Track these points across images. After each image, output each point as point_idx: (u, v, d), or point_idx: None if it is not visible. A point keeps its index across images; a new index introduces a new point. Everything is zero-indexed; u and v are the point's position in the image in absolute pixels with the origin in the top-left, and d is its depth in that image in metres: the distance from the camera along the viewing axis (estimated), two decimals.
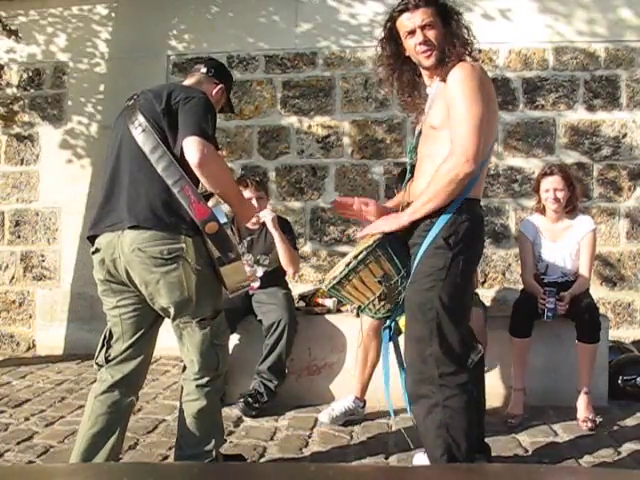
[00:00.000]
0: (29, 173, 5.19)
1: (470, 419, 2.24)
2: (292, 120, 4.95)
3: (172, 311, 2.26)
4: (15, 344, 5.17)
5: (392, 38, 2.36)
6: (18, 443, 2.97)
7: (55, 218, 5.14)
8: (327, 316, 3.68)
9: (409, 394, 2.33)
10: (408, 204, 2.35)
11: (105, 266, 2.28)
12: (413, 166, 2.42)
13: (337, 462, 2.74)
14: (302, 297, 3.90)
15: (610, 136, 4.65)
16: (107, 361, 2.34)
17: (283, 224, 3.70)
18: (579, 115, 4.68)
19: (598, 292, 4.49)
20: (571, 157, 4.68)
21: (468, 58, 2.32)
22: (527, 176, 4.69)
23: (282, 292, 3.58)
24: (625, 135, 4.64)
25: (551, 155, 4.69)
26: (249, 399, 3.35)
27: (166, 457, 2.80)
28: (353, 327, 3.40)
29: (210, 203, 2.24)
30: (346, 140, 4.89)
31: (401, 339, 2.43)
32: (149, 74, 4.75)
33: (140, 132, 2.25)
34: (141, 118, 2.26)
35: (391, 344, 2.44)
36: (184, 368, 2.41)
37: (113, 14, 5.10)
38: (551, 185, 3.38)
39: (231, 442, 2.98)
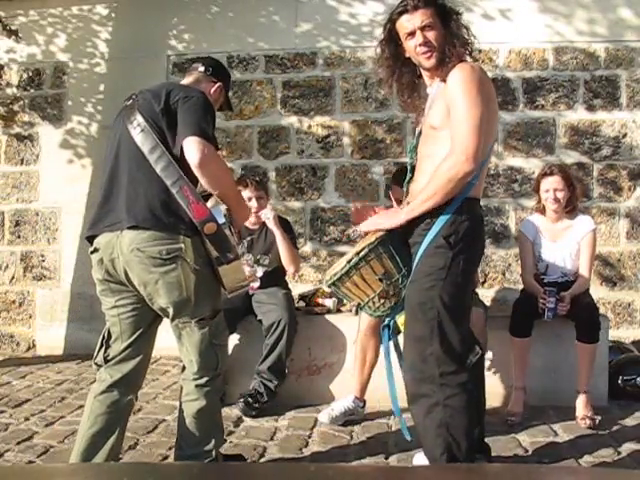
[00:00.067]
0: (29, 173, 5.19)
1: (470, 418, 2.24)
2: (292, 120, 4.95)
3: (171, 311, 2.26)
4: (15, 344, 5.17)
5: (392, 40, 2.36)
6: (18, 443, 2.97)
7: (55, 218, 5.14)
8: (327, 316, 3.68)
9: (409, 393, 2.33)
10: (408, 204, 2.35)
11: (104, 266, 2.27)
12: (414, 166, 2.42)
13: (337, 462, 2.74)
14: (302, 297, 3.90)
15: (610, 136, 4.65)
16: (106, 361, 2.34)
17: (283, 224, 3.70)
18: (579, 115, 4.68)
19: (598, 292, 4.49)
20: (571, 157, 4.68)
21: (468, 58, 2.33)
22: (527, 176, 4.69)
23: (282, 292, 3.58)
24: (625, 135, 4.64)
25: (551, 155, 4.69)
26: (249, 399, 3.35)
27: (166, 457, 2.80)
28: (353, 327, 3.40)
29: (209, 203, 2.24)
30: (346, 140, 4.89)
31: (400, 338, 2.43)
32: (149, 74, 4.74)
33: (139, 132, 2.24)
34: (140, 118, 2.26)
35: (391, 343, 2.45)
36: (183, 368, 2.41)
37: (113, 14, 5.10)
38: (551, 185, 3.38)
39: (231, 442, 2.97)
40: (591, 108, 4.67)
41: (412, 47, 2.29)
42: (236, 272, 2.32)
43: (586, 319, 3.20)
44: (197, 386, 2.33)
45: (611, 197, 4.66)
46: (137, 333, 2.34)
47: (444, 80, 2.25)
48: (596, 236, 3.54)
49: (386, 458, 2.82)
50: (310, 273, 4.89)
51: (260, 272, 3.65)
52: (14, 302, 5.18)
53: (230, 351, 3.21)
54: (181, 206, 2.19)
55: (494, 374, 3.46)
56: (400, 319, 2.37)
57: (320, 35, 4.91)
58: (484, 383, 2.52)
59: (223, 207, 2.37)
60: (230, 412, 3.34)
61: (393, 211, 2.39)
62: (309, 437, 3.08)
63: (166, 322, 2.35)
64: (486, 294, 4.60)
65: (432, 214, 2.24)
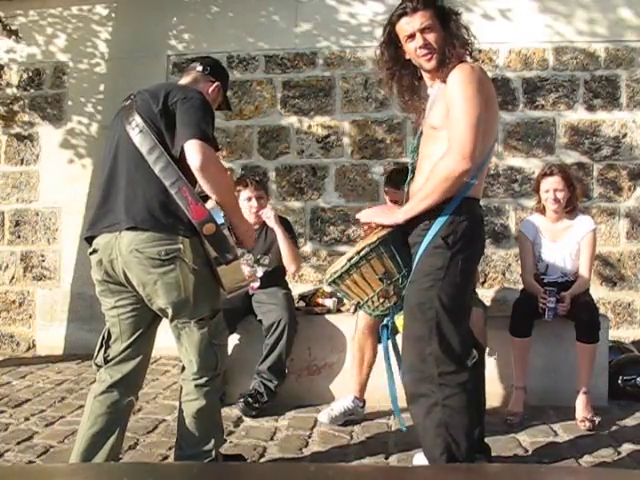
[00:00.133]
0: (29, 173, 5.19)
1: (470, 418, 2.24)
2: (292, 120, 4.95)
3: (170, 312, 2.26)
4: (15, 344, 5.17)
5: (391, 42, 2.37)
6: (18, 443, 2.97)
7: (55, 218, 5.14)
8: (327, 316, 3.68)
9: (408, 393, 2.33)
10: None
11: (103, 267, 2.27)
12: (415, 166, 2.43)
13: (337, 462, 2.74)
14: (302, 297, 3.90)
15: (610, 136, 4.65)
16: (106, 361, 2.34)
17: (284, 223, 3.70)
18: (579, 115, 4.68)
19: (598, 292, 4.49)
20: (571, 157, 4.68)
21: (468, 58, 2.33)
22: (527, 176, 4.69)
23: (282, 292, 3.58)
24: (625, 135, 4.64)
25: (551, 155, 4.69)
26: (249, 399, 3.35)
27: (166, 457, 2.80)
28: (353, 327, 3.40)
29: (208, 204, 2.23)
30: (346, 140, 4.89)
31: (398, 338, 2.44)
32: (149, 74, 4.74)
33: (137, 133, 2.24)
34: (138, 119, 2.25)
35: (389, 342, 2.45)
36: (183, 368, 2.41)
37: (113, 14, 5.10)
38: (551, 186, 3.38)
39: (231, 442, 2.97)
40: (591, 108, 4.67)
41: (412, 49, 2.30)
42: (235, 273, 2.32)
43: (586, 319, 3.20)
44: (197, 386, 2.33)
45: (611, 197, 4.66)
46: (137, 333, 2.34)
47: (444, 81, 2.26)
48: (596, 236, 3.54)
49: (386, 458, 2.82)
50: (310, 273, 4.88)
51: (260, 272, 3.65)
52: (14, 302, 5.18)
53: (230, 351, 3.20)
54: (180, 207, 2.19)
55: (494, 374, 3.46)
56: (399, 319, 2.37)
57: (320, 35, 4.91)
58: (484, 383, 2.52)
59: None
60: (230, 412, 3.34)
61: (391, 208, 2.39)
62: (309, 437, 3.08)
63: (165, 322, 2.35)
64: (486, 294, 4.60)
65: (431, 214, 2.24)
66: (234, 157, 4.97)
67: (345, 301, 3.74)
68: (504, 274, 4.74)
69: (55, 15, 5.15)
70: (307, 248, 4.88)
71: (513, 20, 4.71)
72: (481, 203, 2.39)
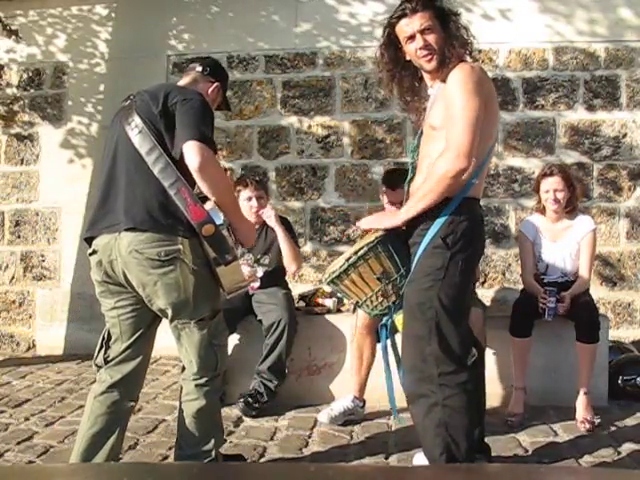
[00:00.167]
0: (29, 173, 5.19)
1: (470, 419, 2.24)
2: (292, 120, 4.95)
3: (170, 312, 2.26)
4: (15, 344, 5.17)
5: (391, 44, 2.37)
6: (18, 443, 2.97)
7: (55, 218, 5.14)
8: (327, 316, 3.68)
9: (408, 393, 2.33)
10: None
11: (102, 268, 2.27)
12: (415, 166, 2.43)
13: (337, 462, 2.74)
14: (302, 297, 3.90)
15: (610, 136, 4.65)
16: (106, 362, 2.34)
17: (284, 223, 3.70)
18: (579, 115, 4.68)
19: (598, 292, 4.49)
20: (571, 157, 4.68)
21: (468, 58, 2.33)
22: (527, 176, 4.69)
23: (282, 292, 3.58)
24: (625, 135, 4.64)
25: (551, 155, 4.69)
26: (249, 399, 3.35)
27: (166, 457, 2.80)
28: (353, 327, 3.40)
29: (207, 205, 2.23)
30: (346, 140, 4.89)
31: (397, 338, 2.44)
32: (149, 74, 4.74)
33: (137, 133, 2.24)
34: (137, 119, 2.25)
35: (388, 342, 2.45)
36: (183, 368, 2.41)
37: (113, 14, 5.10)
38: (551, 186, 3.38)
39: (231, 442, 2.98)
40: (591, 108, 4.67)
41: (413, 51, 2.30)
42: (234, 273, 2.32)
43: (586, 319, 3.20)
44: (197, 386, 2.33)
45: (611, 197, 4.66)
46: (137, 334, 2.34)
47: (445, 81, 2.26)
48: (596, 236, 3.54)
49: (386, 458, 2.82)
50: (310, 273, 4.89)
51: (260, 272, 3.64)
52: (14, 302, 5.18)
53: (230, 351, 3.20)
54: (179, 208, 2.19)
55: (494, 374, 3.46)
56: (398, 318, 2.38)
57: (320, 35, 4.91)
58: (484, 383, 2.52)
59: None
60: (230, 412, 3.34)
61: (392, 211, 2.40)
62: (309, 437, 3.08)
63: (165, 322, 2.35)
64: (486, 294, 4.60)
65: (431, 214, 2.24)
66: (234, 157, 4.97)
67: (345, 301, 3.74)
68: (504, 274, 4.74)
69: (55, 15, 5.15)
70: (307, 248, 4.88)
71: (513, 20, 4.71)
72: (481, 203, 2.39)
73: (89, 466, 1.82)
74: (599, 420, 3.14)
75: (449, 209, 2.23)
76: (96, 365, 2.37)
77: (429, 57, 2.27)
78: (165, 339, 2.59)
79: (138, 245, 2.18)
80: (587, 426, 3.07)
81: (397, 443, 2.94)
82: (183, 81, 2.52)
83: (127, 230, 2.20)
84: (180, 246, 2.19)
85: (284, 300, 3.50)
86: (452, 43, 2.26)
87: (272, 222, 3.61)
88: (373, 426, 3.21)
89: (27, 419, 3.33)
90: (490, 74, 2.50)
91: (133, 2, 5.06)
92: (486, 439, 2.50)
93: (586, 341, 3.17)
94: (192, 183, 2.22)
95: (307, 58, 4.94)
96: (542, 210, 3.49)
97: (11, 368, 4.49)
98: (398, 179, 3.35)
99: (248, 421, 3.29)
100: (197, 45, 5.00)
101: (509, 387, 3.38)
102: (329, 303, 3.78)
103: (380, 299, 2.37)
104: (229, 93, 2.79)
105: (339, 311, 3.80)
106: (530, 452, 2.84)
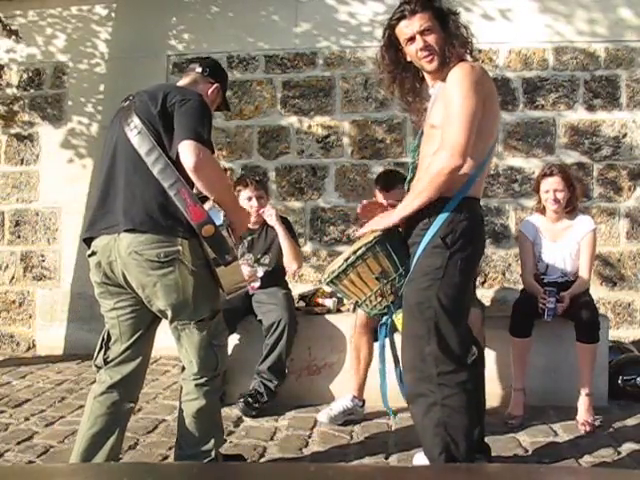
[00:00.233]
0: (29, 173, 5.19)
1: (470, 418, 2.24)
2: (292, 120, 4.95)
3: (170, 313, 2.26)
4: (15, 344, 5.17)
5: (391, 45, 2.38)
6: (18, 443, 2.97)
7: (55, 218, 5.14)
8: (327, 316, 3.68)
9: (407, 393, 2.33)
10: None
11: (102, 269, 2.27)
12: (415, 165, 2.43)
13: (337, 462, 2.74)
14: (302, 297, 3.90)
15: (610, 136, 4.65)
16: (106, 363, 2.34)
17: (284, 222, 3.70)
18: (579, 115, 4.68)
19: (598, 292, 4.49)
20: (571, 157, 4.68)
21: (469, 57, 2.33)
22: (527, 176, 4.69)
23: (282, 292, 3.58)
24: (625, 135, 4.64)
25: (551, 155, 4.69)
26: (249, 399, 3.35)
27: (166, 457, 2.80)
28: (353, 327, 3.40)
29: (206, 206, 2.23)
30: (346, 140, 4.89)
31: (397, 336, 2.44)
32: (149, 74, 4.74)
33: (136, 134, 2.24)
34: (136, 120, 2.25)
35: (387, 341, 2.45)
36: (183, 368, 2.41)
37: (112, 14, 5.10)
38: (551, 186, 3.38)
39: (231, 442, 2.97)
40: (591, 108, 4.67)
41: (413, 52, 2.30)
42: (234, 274, 2.32)
43: (586, 319, 3.20)
44: (197, 386, 2.33)
45: (611, 197, 4.66)
46: (136, 335, 2.34)
47: (445, 80, 2.26)
48: (596, 236, 3.53)
49: (386, 458, 2.82)
50: (310, 273, 4.89)
51: (260, 272, 3.64)
52: (14, 302, 5.18)
53: (230, 351, 3.20)
54: (178, 208, 2.19)
55: (494, 374, 3.46)
56: (398, 317, 2.38)
57: (320, 35, 4.91)
58: (484, 383, 2.52)
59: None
60: (230, 412, 3.34)
61: (388, 211, 2.41)
62: (309, 437, 3.08)
63: (165, 323, 2.35)
64: (486, 294, 4.60)
65: (430, 214, 2.24)
66: (234, 157, 4.97)
67: (345, 301, 3.74)
68: (504, 274, 4.74)
69: (55, 15, 5.15)
70: (307, 248, 4.88)
71: (513, 20, 4.71)
72: (481, 203, 2.39)
73: (89, 466, 1.82)
74: (600, 420, 3.13)
75: (449, 208, 2.23)
76: (96, 366, 2.37)
77: (430, 58, 2.28)
78: (165, 339, 2.59)
79: (137, 246, 2.18)
80: (587, 428, 3.06)
81: (397, 443, 2.94)
82: (183, 81, 2.51)
83: (126, 231, 2.19)
84: (180, 247, 2.19)
85: (284, 300, 3.50)
86: (452, 43, 2.26)
87: (273, 221, 3.61)
88: (373, 426, 3.21)
89: (27, 419, 3.33)
90: (490, 74, 2.49)
91: (133, 2, 5.06)
92: (486, 439, 2.50)
93: (586, 341, 3.17)
94: (192, 183, 2.22)
95: (307, 58, 4.94)
96: (542, 210, 3.48)
97: (11, 368, 4.49)
98: (392, 180, 3.37)
99: (248, 421, 3.29)
100: (197, 45, 5.00)
101: (509, 387, 3.38)
102: (329, 303, 3.78)
103: (379, 299, 2.37)
104: (229, 93, 2.79)
105: (339, 311, 3.80)
106: (530, 452, 2.84)
